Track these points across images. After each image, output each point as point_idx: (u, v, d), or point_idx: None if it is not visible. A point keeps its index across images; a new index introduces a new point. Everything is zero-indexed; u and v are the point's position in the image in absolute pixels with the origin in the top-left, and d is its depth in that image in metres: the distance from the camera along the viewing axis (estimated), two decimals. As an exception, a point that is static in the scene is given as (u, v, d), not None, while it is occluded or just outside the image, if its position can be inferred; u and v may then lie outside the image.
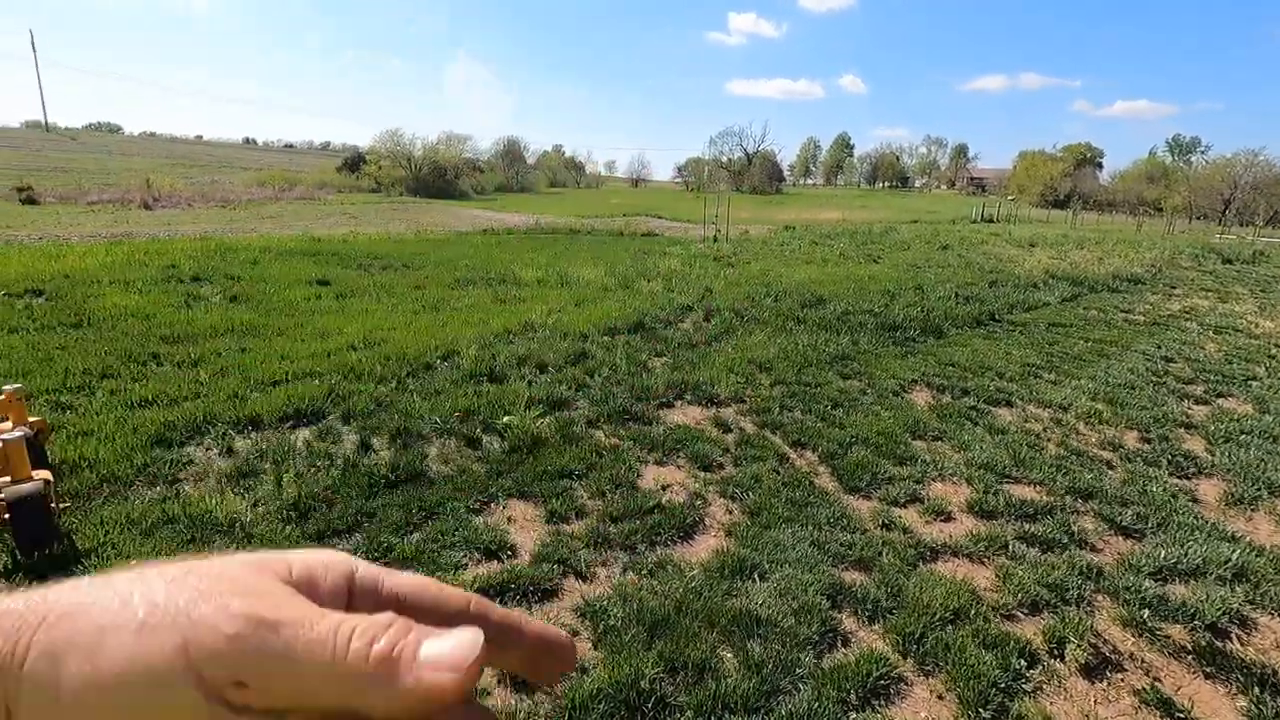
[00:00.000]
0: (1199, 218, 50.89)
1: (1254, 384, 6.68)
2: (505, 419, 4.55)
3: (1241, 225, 45.02)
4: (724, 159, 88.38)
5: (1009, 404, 5.53)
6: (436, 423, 4.63)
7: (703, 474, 4.02)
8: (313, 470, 3.84)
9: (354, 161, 56.38)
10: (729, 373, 5.86)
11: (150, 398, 5.04)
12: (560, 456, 4.08)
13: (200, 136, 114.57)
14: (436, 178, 50.96)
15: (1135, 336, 8.62)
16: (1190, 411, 5.71)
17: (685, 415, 5.07)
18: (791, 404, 5.24)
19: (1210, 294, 12.70)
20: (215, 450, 4.25)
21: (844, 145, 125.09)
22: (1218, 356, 7.77)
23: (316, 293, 9.72)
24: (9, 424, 3.69)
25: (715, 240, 19.67)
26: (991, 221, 37.94)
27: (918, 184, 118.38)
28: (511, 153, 72.64)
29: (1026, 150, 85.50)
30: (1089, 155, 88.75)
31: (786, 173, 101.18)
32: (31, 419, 3.80)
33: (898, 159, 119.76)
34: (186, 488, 3.73)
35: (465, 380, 5.63)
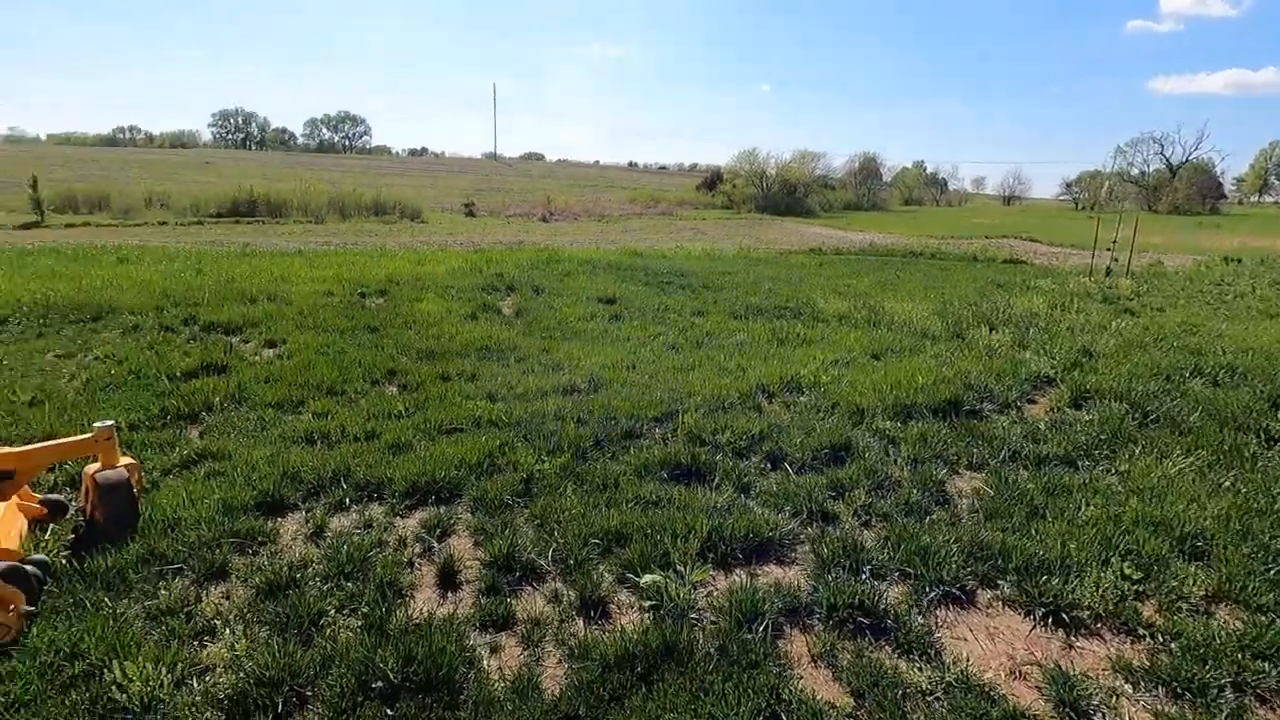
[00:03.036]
0: None
1: None
2: (647, 578, 2.76)
3: None
4: (1134, 171, 70.77)
5: None
6: (563, 551, 3.06)
7: None
8: (329, 617, 2.59)
9: (712, 180, 59.48)
10: (1104, 548, 3.09)
11: (325, 431, 4.50)
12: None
13: (597, 161, 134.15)
14: (786, 195, 50.80)
15: None
16: None
17: (988, 638, 2.61)
18: (1273, 677, 2.34)
19: None
20: (306, 529, 3.33)
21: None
22: None
23: (593, 311, 9.07)
24: (97, 464, 3.22)
25: (1108, 273, 14.52)
26: None
27: None
28: (866, 169, 68.77)
29: None
30: None
31: (1230, 188, 76.67)
32: (126, 460, 3.30)
33: None
34: (215, 594, 2.80)
35: (655, 469, 3.96)
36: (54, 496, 3.35)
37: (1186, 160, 69.72)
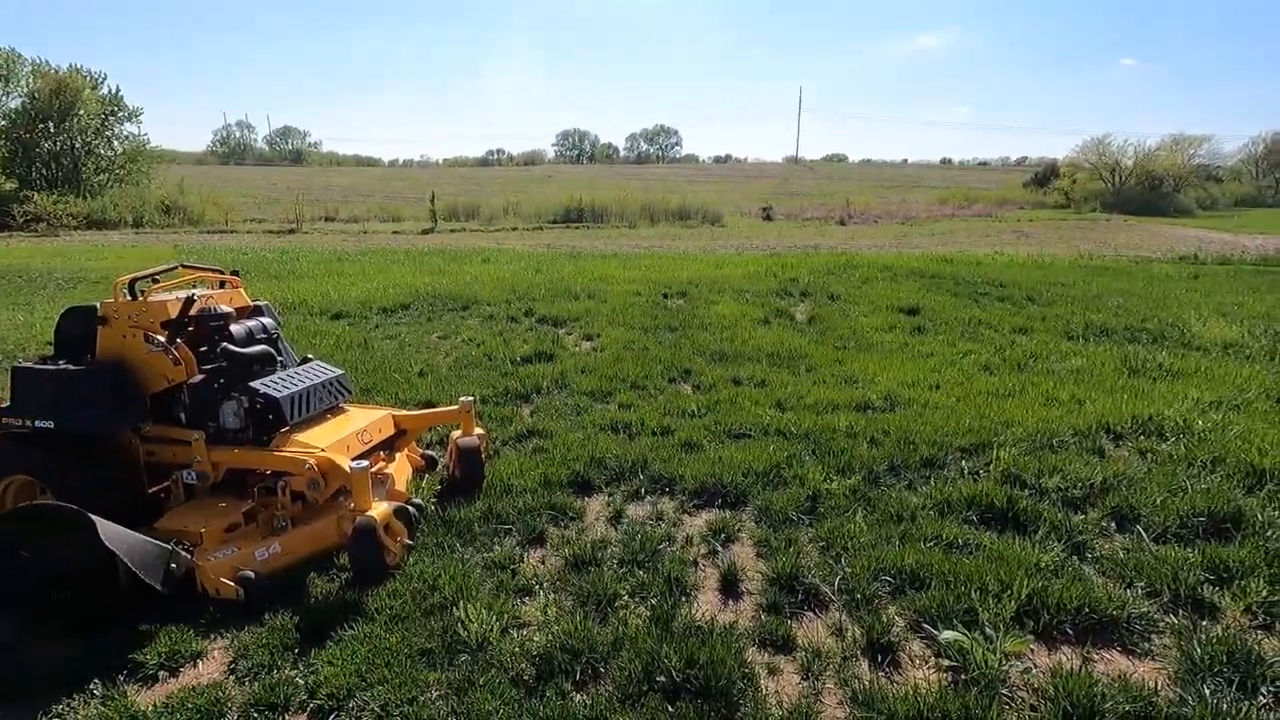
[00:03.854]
0: None
1: None
2: (948, 634, 2.44)
3: None
4: None
5: None
6: (849, 581, 2.87)
7: None
8: (623, 600, 2.77)
9: (1044, 175, 51.76)
10: None
11: (627, 422, 4.90)
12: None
13: (905, 160, 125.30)
14: (1146, 190, 41.91)
15: None
16: None
17: None
18: None
19: None
20: (607, 512, 3.66)
21: None
22: None
23: (892, 322, 8.51)
24: (459, 431, 3.93)
25: None
26: None
27: None
28: (1276, 153, 53.11)
29: None
30: None
31: None
32: (478, 430, 3.97)
33: None
34: (533, 558, 3.22)
35: (959, 508, 3.52)
36: (430, 453, 4.19)
37: None
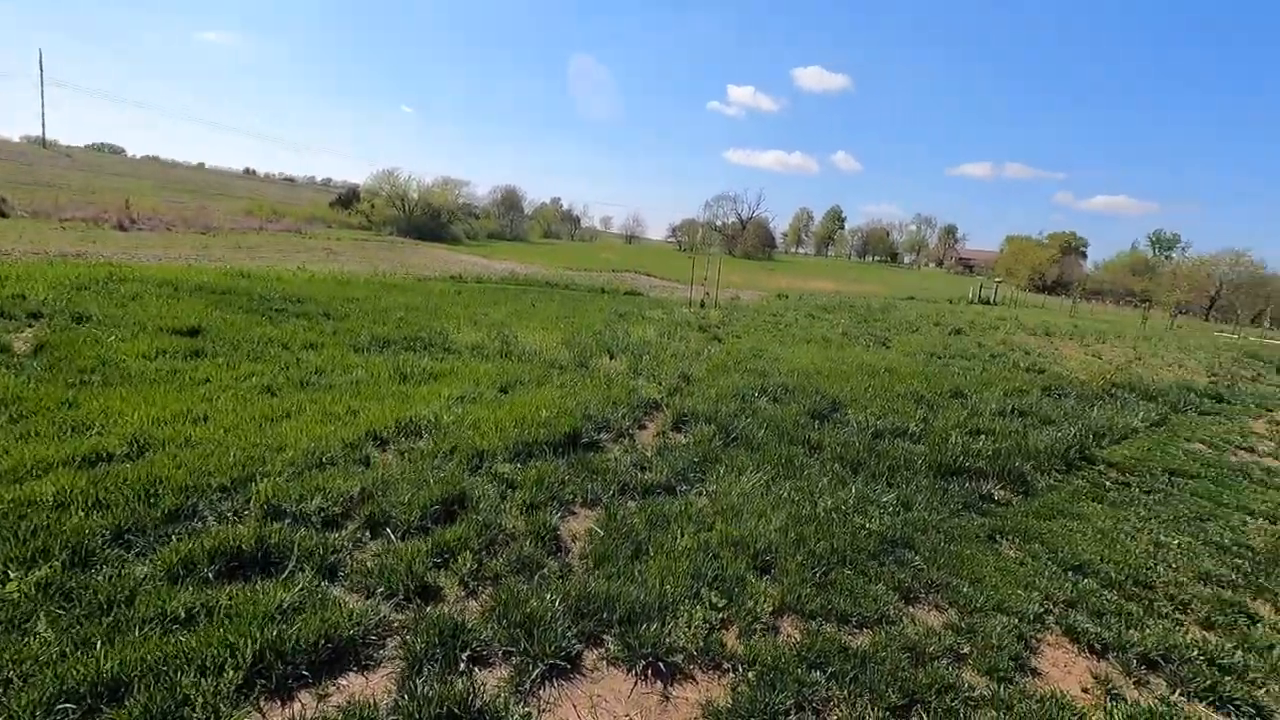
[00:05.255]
0: (1183, 313, 50.07)
1: None
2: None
3: (1226, 323, 45.28)
4: (718, 222, 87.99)
5: None
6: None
7: None
8: None
9: (348, 198, 55.00)
10: (695, 579, 3.21)
11: None
12: None
13: (203, 164, 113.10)
14: (429, 220, 49.60)
15: None
16: None
17: (590, 710, 2.41)
18: (824, 686, 2.59)
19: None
20: None
21: (836, 218, 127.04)
22: None
23: (163, 346, 7.12)
24: None
25: (703, 305, 17.32)
26: (988, 303, 36.33)
27: (907, 260, 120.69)
28: (509, 201, 71.68)
29: (1014, 235, 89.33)
30: (1074, 244, 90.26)
31: (779, 240, 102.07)
32: None
33: (888, 234, 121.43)
34: None
35: (201, 564, 2.98)
36: None
37: (752, 216, 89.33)
